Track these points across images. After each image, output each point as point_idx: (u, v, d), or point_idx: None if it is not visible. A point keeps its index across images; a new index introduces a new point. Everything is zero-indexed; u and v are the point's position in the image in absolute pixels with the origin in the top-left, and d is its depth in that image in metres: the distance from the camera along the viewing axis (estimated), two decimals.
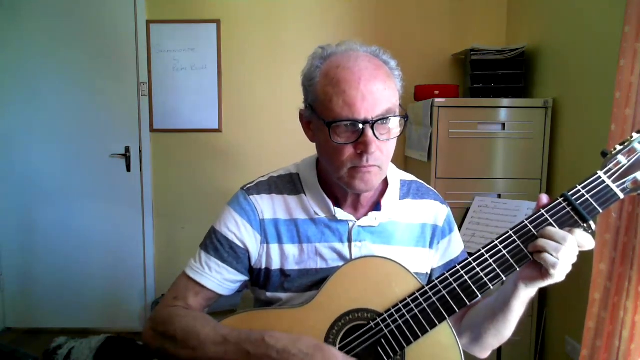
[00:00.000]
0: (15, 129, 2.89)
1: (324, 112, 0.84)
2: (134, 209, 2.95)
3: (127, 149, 2.90)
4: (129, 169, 2.92)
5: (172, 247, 3.00)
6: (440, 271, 1.01)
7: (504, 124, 2.23)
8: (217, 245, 0.96)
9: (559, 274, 0.77)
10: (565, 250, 0.76)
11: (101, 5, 2.81)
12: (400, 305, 0.84)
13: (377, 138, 0.83)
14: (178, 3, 2.83)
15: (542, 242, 0.78)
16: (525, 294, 0.84)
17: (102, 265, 2.97)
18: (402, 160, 2.76)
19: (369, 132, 0.82)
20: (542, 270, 0.79)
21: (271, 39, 2.85)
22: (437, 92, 2.39)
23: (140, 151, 2.91)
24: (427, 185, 1.08)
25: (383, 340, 0.84)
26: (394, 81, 0.87)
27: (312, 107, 0.89)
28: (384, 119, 0.83)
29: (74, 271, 2.97)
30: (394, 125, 0.86)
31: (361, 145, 0.83)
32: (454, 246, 1.05)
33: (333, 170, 0.89)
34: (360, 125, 0.82)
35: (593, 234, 0.80)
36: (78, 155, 2.91)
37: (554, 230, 0.78)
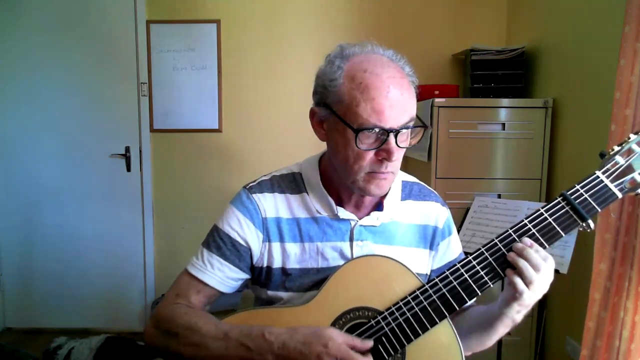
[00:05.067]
0: (15, 129, 2.89)
1: (349, 116, 0.84)
2: (134, 209, 2.95)
3: (127, 149, 2.90)
4: (129, 169, 2.92)
5: (172, 247, 3.00)
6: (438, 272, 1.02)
7: (504, 124, 2.23)
8: (219, 243, 0.96)
9: (530, 297, 0.81)
10: (539, 276, 0.79)
11: (101, 6, 2.81)
12: (400, 303, 0.85)
13: (399, 146, 0.84)
14: (178, 3, 2.84)
15: (519, 262, 0.80)
16: (507, 318, 0.85)
17: (102, 265, 2.98)
18: (402, 160, 2.76)
19: (393, 140, 0.83)
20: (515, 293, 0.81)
21: (271, 38, 2.85)
22: (437, 92, 2.39)
23: (140, 151, 2.91)
24: (429, 188, 1.08)
25: (384, 338, 0.84)
26: (413, 89, 0.88)
27: (330, 108, 0.87)
28: (407, 127, 0.85)
29: (74, 271, 2.97)
30: (413, 133, 0.88)
31: (383, 153, 0.84)
32: (453, 248, 1.06)
33: (348, 174, 0.88)
34: (385, 133, 0.83)
35: (592, 232, 0.81)
36: (78, 156, 2.91)
37: (532, 254, 0.80)
